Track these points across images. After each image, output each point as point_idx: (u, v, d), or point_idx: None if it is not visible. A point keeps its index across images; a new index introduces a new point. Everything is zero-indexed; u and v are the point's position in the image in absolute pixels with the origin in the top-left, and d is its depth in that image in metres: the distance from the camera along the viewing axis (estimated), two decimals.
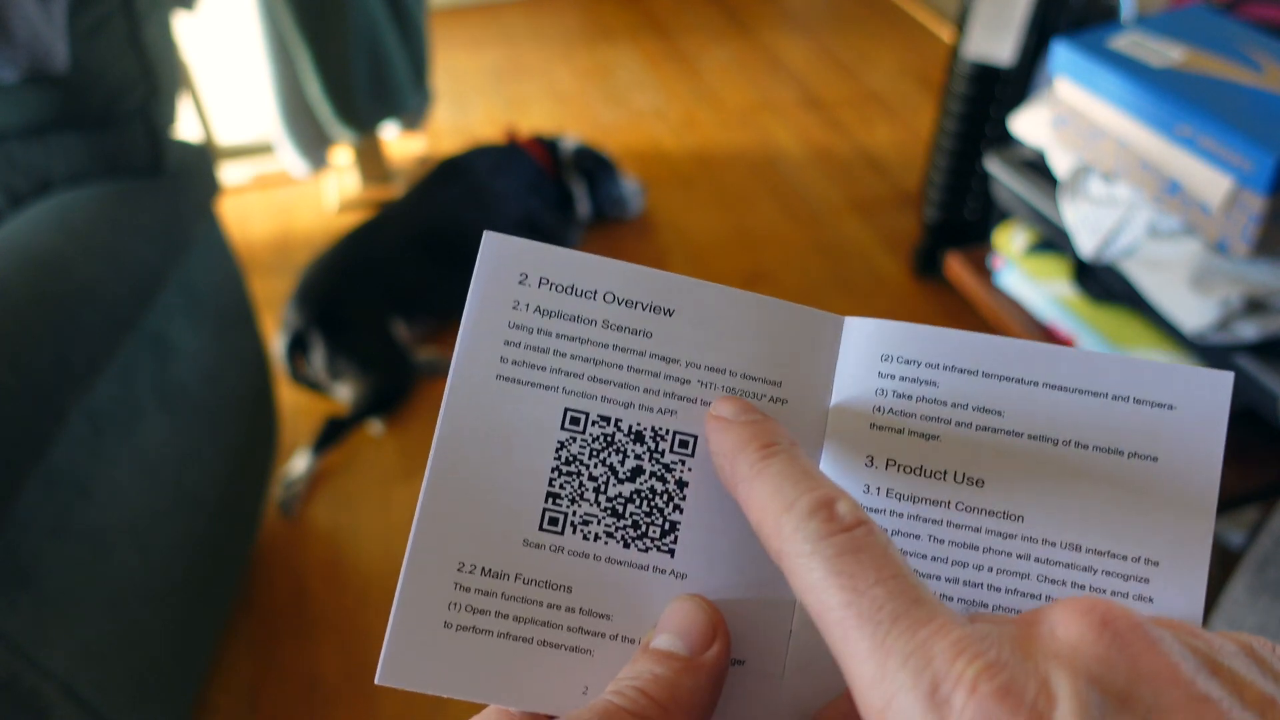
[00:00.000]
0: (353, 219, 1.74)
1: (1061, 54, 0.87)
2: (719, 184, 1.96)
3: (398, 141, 2.08)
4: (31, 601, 0.72)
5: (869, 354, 0.26)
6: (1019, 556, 0.24)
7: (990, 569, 0.24)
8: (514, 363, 0.25)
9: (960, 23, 1.39)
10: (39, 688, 0.71)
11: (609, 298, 0.26)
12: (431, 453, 0.25)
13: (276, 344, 1.44)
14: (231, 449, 1.07)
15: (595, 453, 0.25)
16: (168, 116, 0.95)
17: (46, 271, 0.76)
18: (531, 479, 0.25)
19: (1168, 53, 0.82)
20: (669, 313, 0.26)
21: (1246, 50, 0.82)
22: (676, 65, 2.40)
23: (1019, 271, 1.00)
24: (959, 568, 0.24)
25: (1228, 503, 0.84)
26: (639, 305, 0.26)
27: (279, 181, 1.98)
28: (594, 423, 0.26)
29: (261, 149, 1.97)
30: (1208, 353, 0.81)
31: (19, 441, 0.69)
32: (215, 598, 1.04)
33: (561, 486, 0.25)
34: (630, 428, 0.26)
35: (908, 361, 0.25)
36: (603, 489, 0.25)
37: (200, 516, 0.99)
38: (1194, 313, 0.78)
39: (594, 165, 1.78)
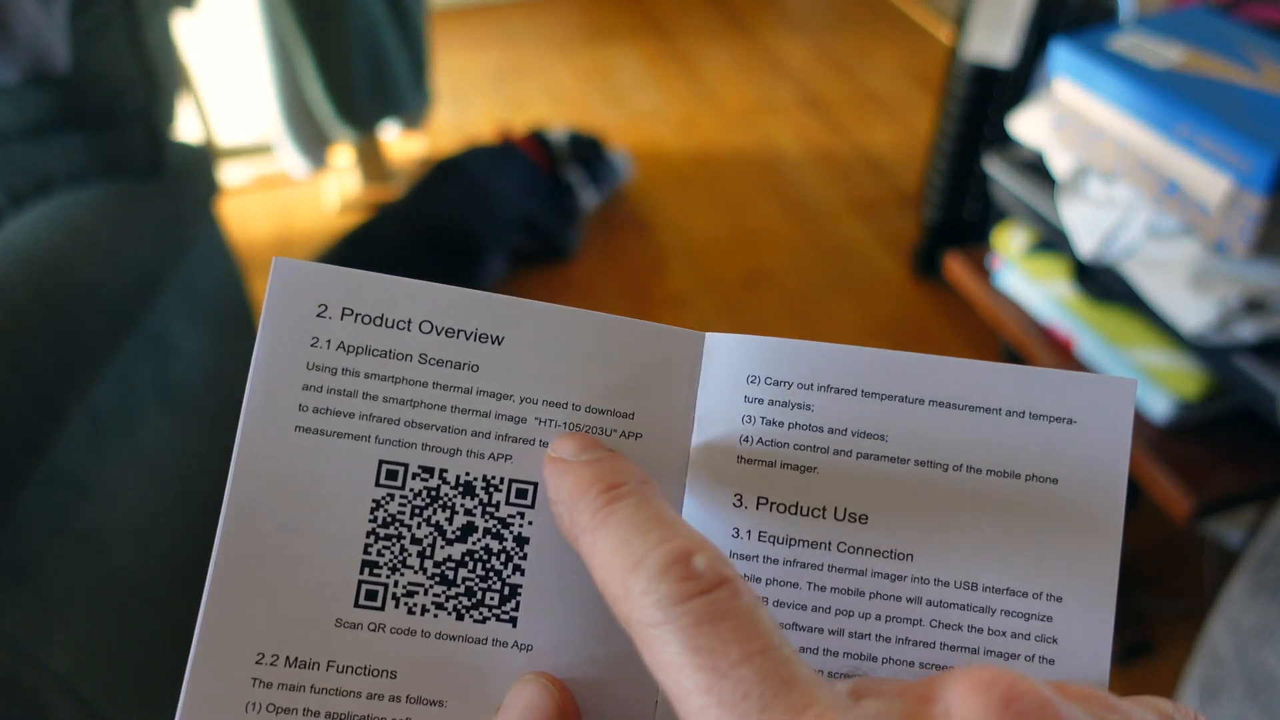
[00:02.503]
0: (353, 219, 1.74)
1: (1061, 54, 0.87)
2: (719, 184, 1.96)
3: (398, 141, 2.08)
4: (32, 601, 0.72)
5: (733, 376, 0.23)
6: (909, 601, 0.22)
7: (878, 617, 0.22)
8: (315, 410, 0.22)
9: (959, 23, 1.39)
10: (39, 687, 0.71)
11: (425, 327, 0.22)
12: (220, 524, 0.22)
13: None
14: (232, 449, 1.07)
15: (418, 510, 0.22)
16: (168, 117, 0.95)
17: (47, 271, 0.76)
18: (343, 547, 0.22)
19: (1167, 53, 0.82)
20: (498, 340, 0.23)
21: (1245, 51, 0.82)
22: (676, 65, 2.40)
23: (1018, 272, 1.00)
24: (843, 618, 0.22)
25: (1227, 502, 0.84)
26: (461, 334, 0.22)
27: (279, 182, 1.98)
28: (414, 475, 0.22)
29: (261, 149, 1.97)
30: (1207, 353, 0.81)
31: (19, 441, 0.69)
32: None
33: (380, 553, 0.22)
34: (458, 479, 0.22)
35: (777, 383, 0.22)
36: (429, 553, 0.22)
37: (200, 516, 0.99)
38: (1193, 313, 0.78)
39: (589, 151, 1.79)
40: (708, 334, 0.23)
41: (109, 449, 0.83)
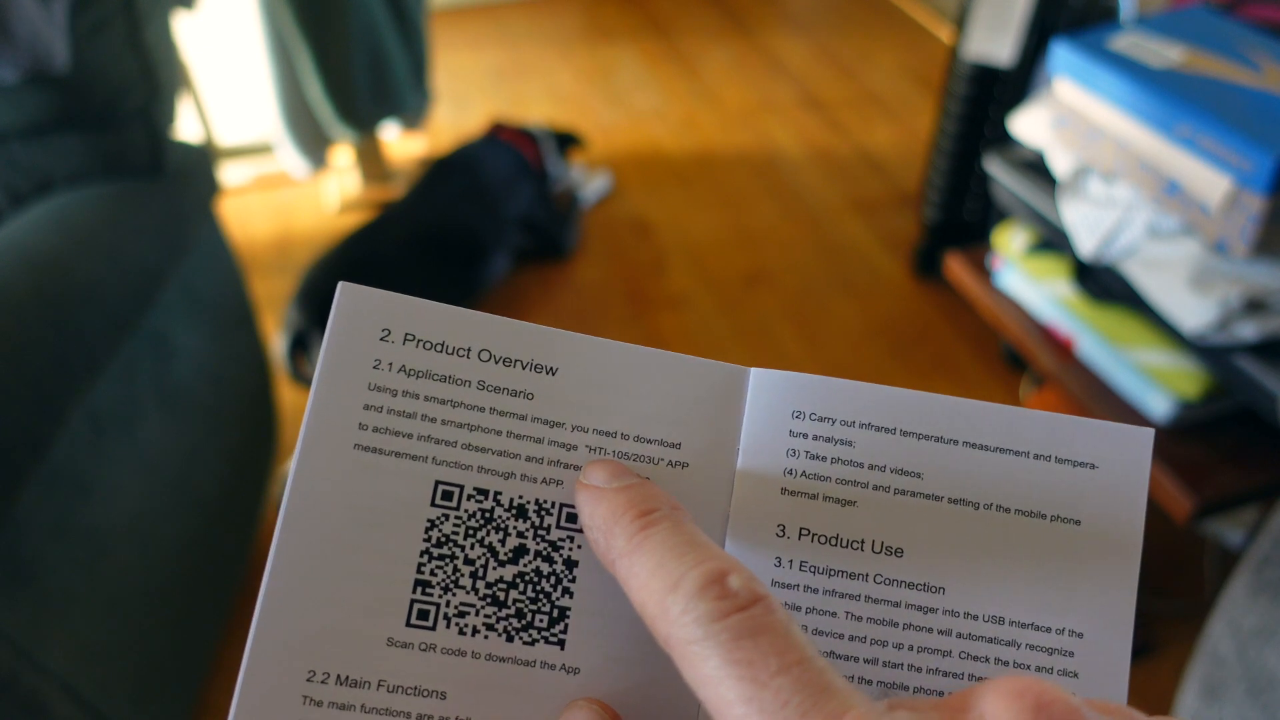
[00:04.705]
0: (353, 219, 1.74)
1: (1061, 54, 0.87)
2: (719, 184, 1.96)
3: (398, 141, 2.08)
4: (31, 601, 0.72)
5: (779, 411, 0.23)
6: (940, 632, 0.22)
7: (911, 647, 0.22)
8: (375, 430, 0.22)
9: (960, 23, 1.39)
10: (39, 687, 0.71)
11: (484, 356, 0.23)
12: (275, 537, 0.22)
13: (277, 344, 1.44)
14: (231, 449, 1.07)
15: (471, 532, 0.22)
16: (168, 117, 0.95)
17: (46, 271, 0.76)
18: (397, 565, 0.22)
19: (1167, 53, 0.82)
20: (552, 371, 0.23)
21: (1246, 51, 0.82)
22: (676, 65, 2.40)
23: (1018, 271, 1.00)
24: (878, 647, 0.22)
25: (1228, 503, 0.84)
26: (518, 364, 0.23)
27: (279, 182, 1.98)
28: (469, 497, 0.22)
29: (261, 149, 1.97)
30: (1207, 353, 0.81)
31: (19, 441, 0.69)
32: (215, 597, 1.04)
33: (433, 573, 0.22)
34: (511, 502, 0.23)
35: (821, 419, 0.23)
36: (481, 574, 0.22)
37: (200, 516, 0.99)
38: (1193, 313, 0.78)
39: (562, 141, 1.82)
40: (753, 369, 0.24)
41: (109, 449, 0.83)
